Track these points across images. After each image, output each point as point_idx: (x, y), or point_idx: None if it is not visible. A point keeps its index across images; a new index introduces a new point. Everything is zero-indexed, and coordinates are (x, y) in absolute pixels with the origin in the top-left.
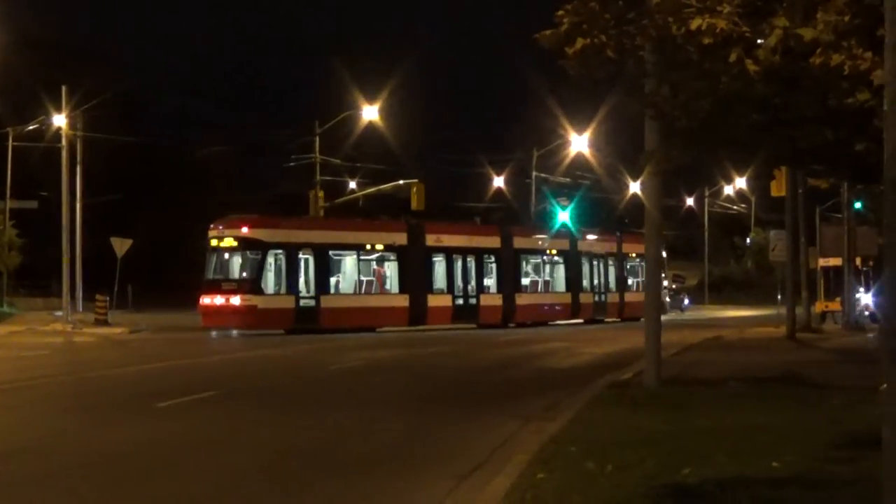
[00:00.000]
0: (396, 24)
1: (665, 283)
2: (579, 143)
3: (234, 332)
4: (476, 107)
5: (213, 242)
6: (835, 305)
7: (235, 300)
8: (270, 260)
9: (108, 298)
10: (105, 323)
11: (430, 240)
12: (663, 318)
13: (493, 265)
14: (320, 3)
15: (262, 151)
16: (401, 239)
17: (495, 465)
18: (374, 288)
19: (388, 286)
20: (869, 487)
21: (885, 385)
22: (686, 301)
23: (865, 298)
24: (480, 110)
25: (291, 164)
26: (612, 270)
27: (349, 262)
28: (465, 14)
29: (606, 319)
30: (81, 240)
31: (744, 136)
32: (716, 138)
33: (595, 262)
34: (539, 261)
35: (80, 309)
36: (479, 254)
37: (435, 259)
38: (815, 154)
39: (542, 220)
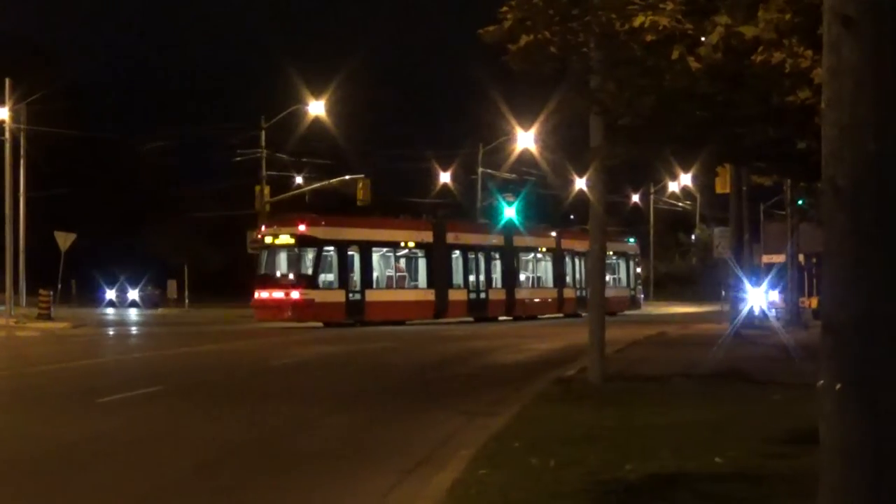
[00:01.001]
0: (343, 18)
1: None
2: (525, 139)
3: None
4: (423, 102)
5: (269, 240)
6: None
7: (295, 294)
8: (324, 256)
9: (51, 293)
10: (48, 318)
11: (450, 238)
12: (633, 312)
13: (499, 262)
14: None
15: (209, 146)
16: (428, 237)
17: (439, 461)
18: (406, 283)
19: (418, 282)
20: (807, 482)
21: (821, 381)
22: (641, 297)
23: (757, 298)
24: (427, 106)
25: (237, 158)
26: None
27: (388, 258)
28: (411, 9)
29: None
30: (25, 234)
31: (688, 133)
32: (660, 135)
33: (577, 260)
34: (531, 258)
35: (24, 304)
36: (488, 251)
37: (454, 256)
38: (759, 151)
39: (489, 216)
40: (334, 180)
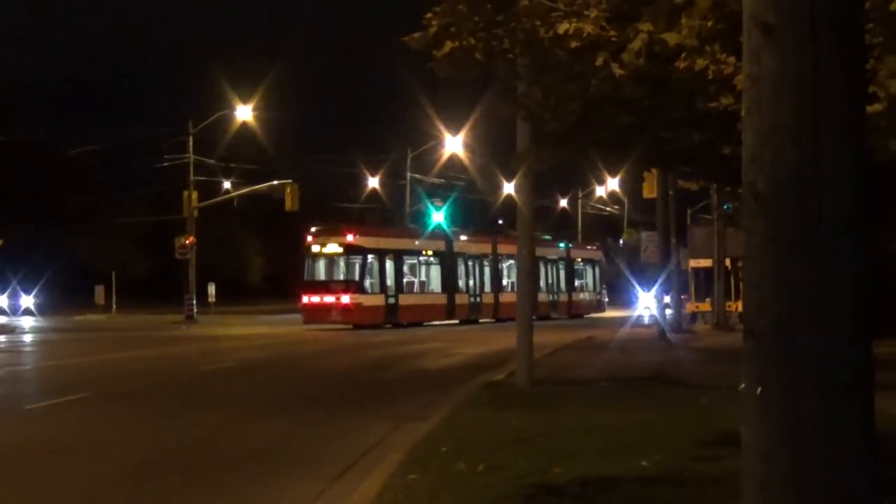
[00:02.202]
0: (271, 23)
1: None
2: (454, 143)
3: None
4: (351, 107)
5: (316, 248)
6: (705, 306)
7: (345, 298)
8: (369, 263)
9: None
10: None
11: (457, 247)
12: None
13: (488, 268)
14: (193, 2)
15: (137, 151)
16: (443, 246)
17: (367, 466)
18: (427, 288)
19: (435, 286)
20: (733, 484)
21: (743, 385)
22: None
23: (647, 302)
24: (356, 111)
25: (165, 164)
26: (563, 273)
27: (415, 265)
28: (339, 13)
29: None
30: None
31: (614, 138)
32: (586, 140)
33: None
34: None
35: None
36: (480, 259)
37: (459, 263)
38: (684, 156)
39: (417, 221)
40: (262, 185)
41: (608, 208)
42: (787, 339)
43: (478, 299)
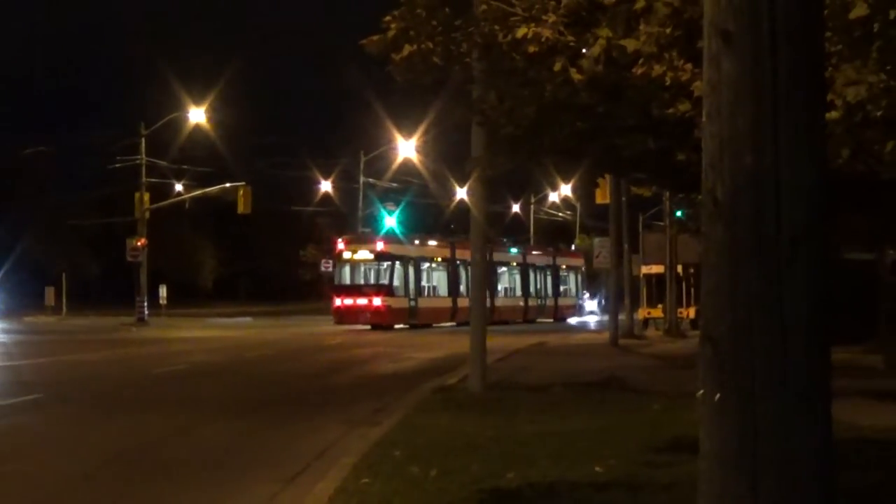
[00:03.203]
0: (225, 25)
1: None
2: (407, 148)
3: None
4: (305, 111)
5: (347, 255)
6: (657, 312)
7: (377, 301)
8: (396, 269)
9: None
10: None
11: (458, 254)
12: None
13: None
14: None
15: (87, 153)
16: (448, 254)
17: (320, 470)
18: (437, 292)
19: (443, 291)
20: (686, 490)
21: (701, 391)
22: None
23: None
24: (309, 115)
25: (116, 165)
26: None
27: (430, 272)
28: (292, 16)
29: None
30: None
31: (568, 144)
32: (541, 145)
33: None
34: (506, 270)
35: None
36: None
37: (460, 270)
38: (638, 162)
39: (370, 225)
40: (215, 188)
41: (561, 214)
42: (743, 345)
43: (513, 302)
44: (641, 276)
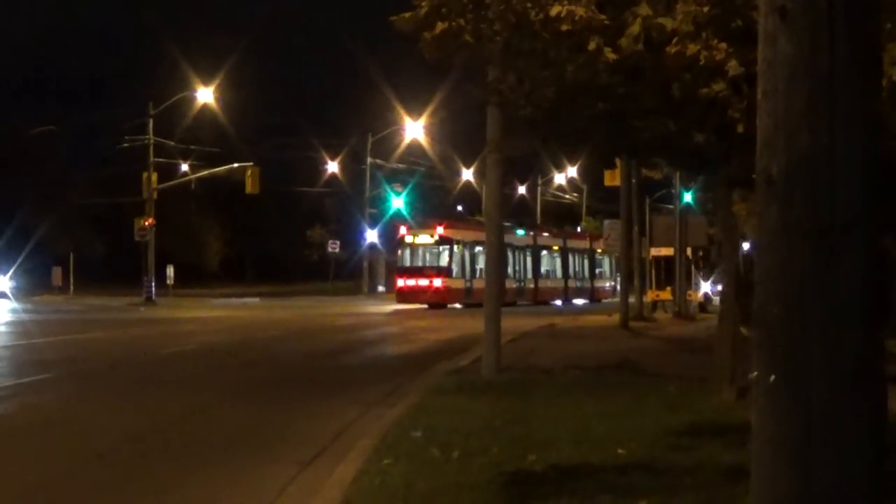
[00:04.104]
0: (233, 7)
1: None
2: (415, 129)
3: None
4: (313, 91)
5: (409, 239)
6: (666, 295)
7: (438, 282)
8: (454, 252)
9: None
10: None
11: (509, 239)
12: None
13: (529, 258)
14: None
15: (96, 132)
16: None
17: (338, 452)
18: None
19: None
20: (709, 474)
21: (754, 374)
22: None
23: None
24: (317, 95)
25: (125, 145)
26: (586, 262)
27: (482, 255)
28: None
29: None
30: None
31: (587, 126)
32: (560, 127)
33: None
34: (547, 254)
35: None
36: (523, 249)
37: (508, 253)
38: (657, 145)
39: (376, 206)
40: (222, 168)
41: (567, 196)
42: (797, 329)
43: (522, 284)
44: (650, 258)
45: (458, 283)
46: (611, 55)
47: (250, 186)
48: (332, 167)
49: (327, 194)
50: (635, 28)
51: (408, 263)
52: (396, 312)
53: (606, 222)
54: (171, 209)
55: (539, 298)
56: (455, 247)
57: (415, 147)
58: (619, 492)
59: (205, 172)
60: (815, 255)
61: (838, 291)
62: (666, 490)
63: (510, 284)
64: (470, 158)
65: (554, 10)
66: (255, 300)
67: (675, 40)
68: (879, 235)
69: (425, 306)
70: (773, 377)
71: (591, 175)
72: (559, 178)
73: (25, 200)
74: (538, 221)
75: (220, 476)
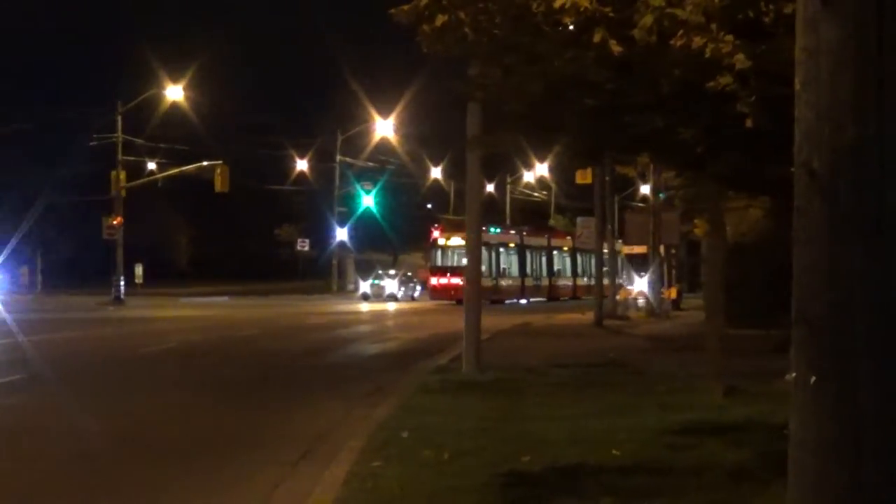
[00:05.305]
0: (202, 4)
1: (393, 271)
2: (384, 127)
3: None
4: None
5: (441, 241)
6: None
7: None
8: (483, 253)
9: None
10: None
11: (529, 241)
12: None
13: (544, 257)
14: None
15: (64, 130)
16: (518, 240)
17: (326, 453)
18: (511, 273)
19: (515, 272)
20: (715, 475)
21: (793, 374)
22: (419, 288)
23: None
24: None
25: (93, 143)
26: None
27: (506, 256)
28: None
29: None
30: None
31: (574, 122)
32: (545, 123)
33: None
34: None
35: None
36: (538, 250)
37: (526, 254)
38: (645, 141)
39: (346, 204)
40: (191, 166)
41: (536, 194)
42: (844, 326)
43: (539, 282)
44: (623, 256)
45: (487, 282)
46: (616, 48)
47: (219, 185)
48: (302, 165)
49: (297, 192)
50: (648, 19)
51: (439, 263)
52: (369, 311)
53: (579, 220)
54: (140, 208)
55: (576, 294)
56: (483, 249)
57: (385, 145)
58: (623, 494)
59: (174, 171)
60: (864, 252)
61: (888, 287)
62: (672, 492)
63: (556, 282)
64: (439, 157)
65: (558, 2)
66: (225, 299)
67: (680, 33)
68: None
69: (439, 302)
70: (813, 379)
71: (561, 172)
72: (528, 177)
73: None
74: (508, 220)
75: (205, 478)
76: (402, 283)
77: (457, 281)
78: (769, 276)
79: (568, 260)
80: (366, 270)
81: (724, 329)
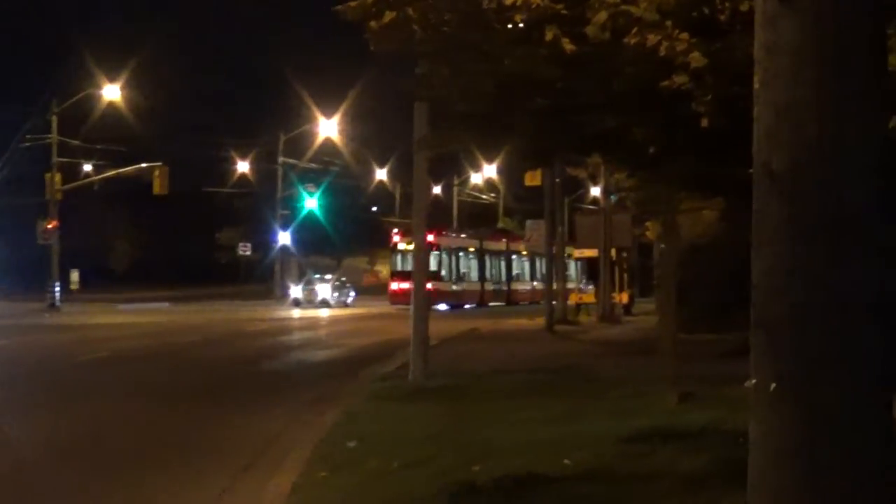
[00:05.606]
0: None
1: (330, 276)
2: (328, 127)
3: None
4: (224, 90)
5: (402, 246)
6: (589, 297)
7: (428, 285)
8: (442, 258)
9: None
10: None
11: (488, 245)
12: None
13: (503, 262)
14: None
15: None
16: (477, 245)
17: (271, 462)
18: (468, 277)
19: (474, 276)
20: (666, 482)
21: (753, 380)
22: (352, 294)
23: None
24: (229, 94)
25: (26, 144)
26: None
27: (466, 260)
28: None
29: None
30: None
31: (525, 122)
32: (495, 123)
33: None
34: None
35: None
36: (498, 254)
37: (486, 258)
38: (598, 141)
39: (289, 206)
40: (129, 168)
41: (484, 196)
42: (801, 329)
43: (498, 286)
44: (574, 259)
45: (446, 286)
46: (568, 46)
47: (158, 187)
48: (244, 167)
49: (238, 195)
50: (602, 16)
51: (399, 268)
52: (314, 317)
53: (529, 222)
54: (76, 211)
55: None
56: (443, 253)
57: (329, 146)
58: (579, 503)
59: (112, 172)
60: (823, 252)
61: (846, 290)
62: (626, 502)
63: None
64: (385, 158)
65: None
66: (165, 305)
67: (634, 30)
68: (893, 230)
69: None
70: (773, 384)
71: (511, 174)
72: (476, 178)
73: None
74: (455, 222)
75: (146, 489)
76: (335, 287)
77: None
78: (724, 280)
79: (527, 264)
80: (309, 275)
81: (678, 333)
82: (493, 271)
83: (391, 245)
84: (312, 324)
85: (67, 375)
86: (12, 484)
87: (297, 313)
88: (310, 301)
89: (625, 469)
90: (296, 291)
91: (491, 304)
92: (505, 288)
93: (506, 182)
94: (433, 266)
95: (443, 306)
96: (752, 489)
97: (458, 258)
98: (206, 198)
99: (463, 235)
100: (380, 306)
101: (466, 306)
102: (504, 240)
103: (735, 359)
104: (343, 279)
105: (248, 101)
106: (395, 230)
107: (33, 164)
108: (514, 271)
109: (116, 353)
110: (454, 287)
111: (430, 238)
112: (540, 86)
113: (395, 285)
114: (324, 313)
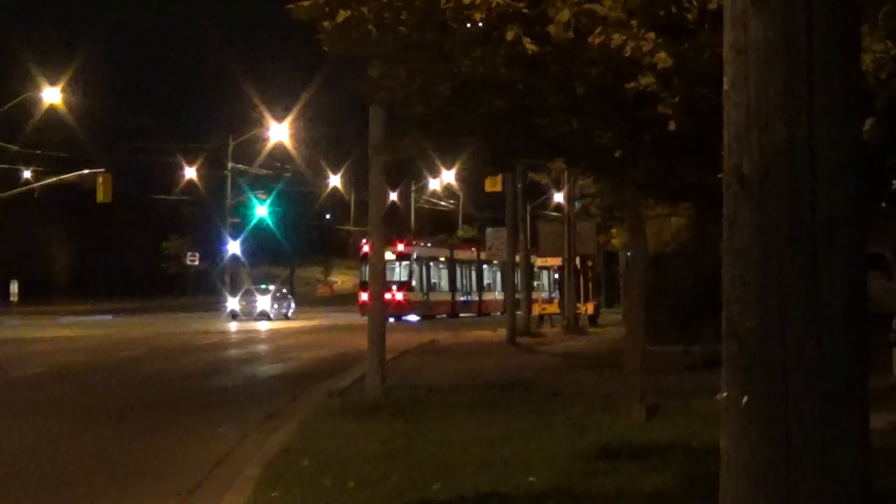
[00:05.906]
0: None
1: (272, 287)
2: (279, 132)
3: None
4: (170, 94)
5: None
6: (553, 308)
7: (399, 295)
8: (413, 268)
9: None
10: None
11: (458, 255)
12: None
13: (474, 272)
14: None
15: None
16: (448, 254)
17: (220, 483)
18: (439, 287)
19: (445, 286)
20: (638, 500)
21: (724, 393)
22: (293, 305)
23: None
24: (175, 98)
25: None
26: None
27: (436, 270)
28: None
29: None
30: None
31: (484, 125)
32: (453, 127)
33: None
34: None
35: None
36: (468, 264)
37: (456, 268)
38: (560, 145)
39: (239, 214)
40: (71, 175)
41: (443, 203)
42: (775, 341)
43: (468, 297)
44: (536, 268)
45: (417, 297)
46: (530, 46)
47: (102, 194)
48: (191, 173)
49: (185, 202)
50: (564, 14)
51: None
52: (266, 330)
53: (489, 230)
54: (14, 219)
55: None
56: (414, 263)
57: (280, 151)
58: None
59: (52, 179)
60: (795, 260)
61: (821, 299)
62: None
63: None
64: (339, 164)
65: None
66: (108, 317)
67: (598, 30)
68: (866, 237)
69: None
70: (745, 398)
71: (470, 180)
72: (434, 184)
73: None
74: (413, 230)
75: None
76: (275, 299)
77: (387, 296)
78: (692, 289)
79: (498, 274)
80: (248, 284)
81: (645, 345)
82: (464, 281)
83: (361, 255)
84: (266, 336)
85: (0, 392)
86: None
87: (233, 326)
88: (247, 314)
89: (591, 487)
90: (232, 303)
91: (462, 314)
92: (476, 298)
93: (465, 188)
94: (404, 276)
95: (413, 317)
96: (722, 501)
97: (428, 268)
98: (153, 205)
99: (429, 245)
100: (332, 318)
101: (437, 317)
102: (474, 249)
103: (703, 370)
104: (284, 290)
105: (196, 104)
106: (365, 240)
107: None
108: (486, 281)
109: (55, 369)
110: (424, 297)
111: (401, 248)
112: (500, 87)
113: (364, 296)
114: (262, 326)
